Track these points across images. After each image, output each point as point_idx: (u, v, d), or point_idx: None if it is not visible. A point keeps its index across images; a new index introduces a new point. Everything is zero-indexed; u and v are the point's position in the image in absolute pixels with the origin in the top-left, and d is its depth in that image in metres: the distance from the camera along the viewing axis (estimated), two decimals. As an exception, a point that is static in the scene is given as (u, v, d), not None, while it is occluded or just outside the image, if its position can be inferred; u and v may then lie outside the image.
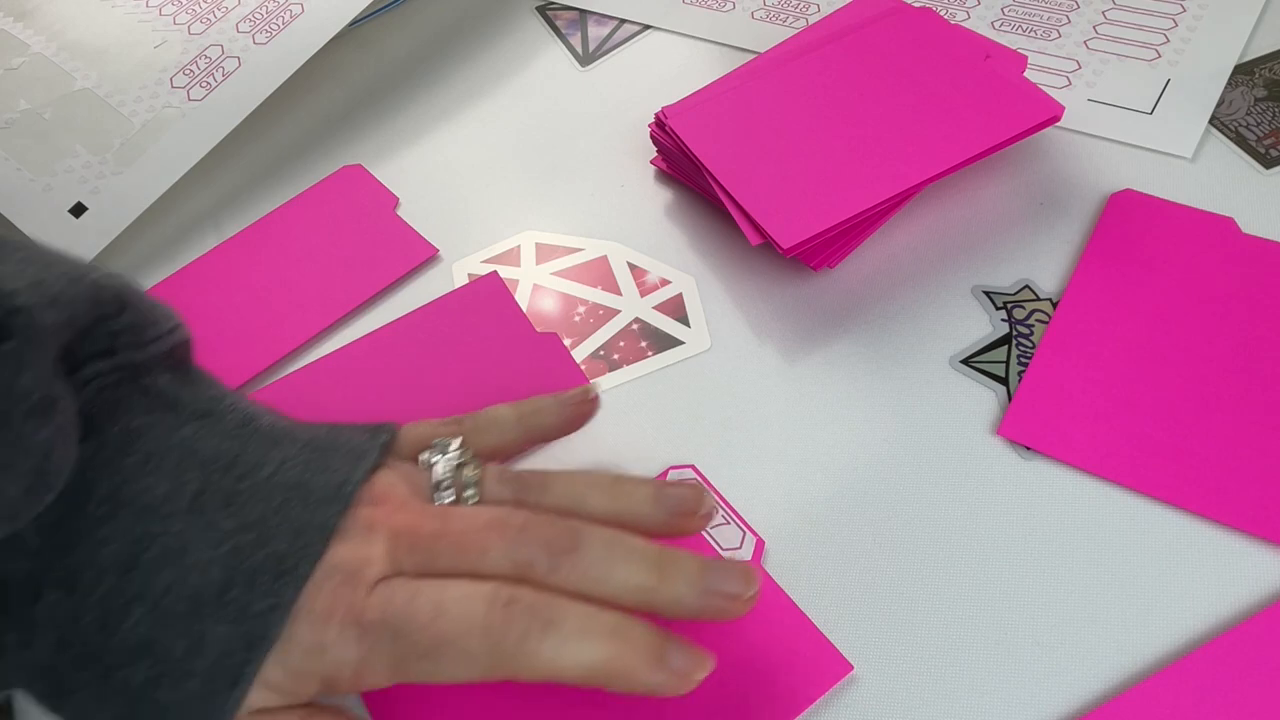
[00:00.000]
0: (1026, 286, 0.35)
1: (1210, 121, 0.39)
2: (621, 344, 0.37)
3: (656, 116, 0.41)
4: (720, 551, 0.30)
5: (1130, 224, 0.36)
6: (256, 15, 0.47)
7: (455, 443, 0.28)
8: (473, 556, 0.25)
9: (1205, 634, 0.27)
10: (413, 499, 0.27)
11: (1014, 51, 0.40)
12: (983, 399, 0.33)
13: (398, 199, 0.44)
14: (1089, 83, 0.41)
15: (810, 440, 0.33)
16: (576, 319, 0.38)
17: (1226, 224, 0.34)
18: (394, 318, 0.39)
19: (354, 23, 0.49)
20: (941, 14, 0.43)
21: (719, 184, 0.37)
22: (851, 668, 0.28)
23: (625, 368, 0.36)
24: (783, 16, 0.48)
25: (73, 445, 0.23)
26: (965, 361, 0.34)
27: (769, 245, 0.35)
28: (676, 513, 0.27)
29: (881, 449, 0.32)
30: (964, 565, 0.29)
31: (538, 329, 0.37)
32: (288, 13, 0.47)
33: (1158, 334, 0.32)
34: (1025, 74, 0.39)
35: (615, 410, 0.35)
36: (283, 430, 0.27)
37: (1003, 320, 0.34)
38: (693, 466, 0.33)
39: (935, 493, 0.31)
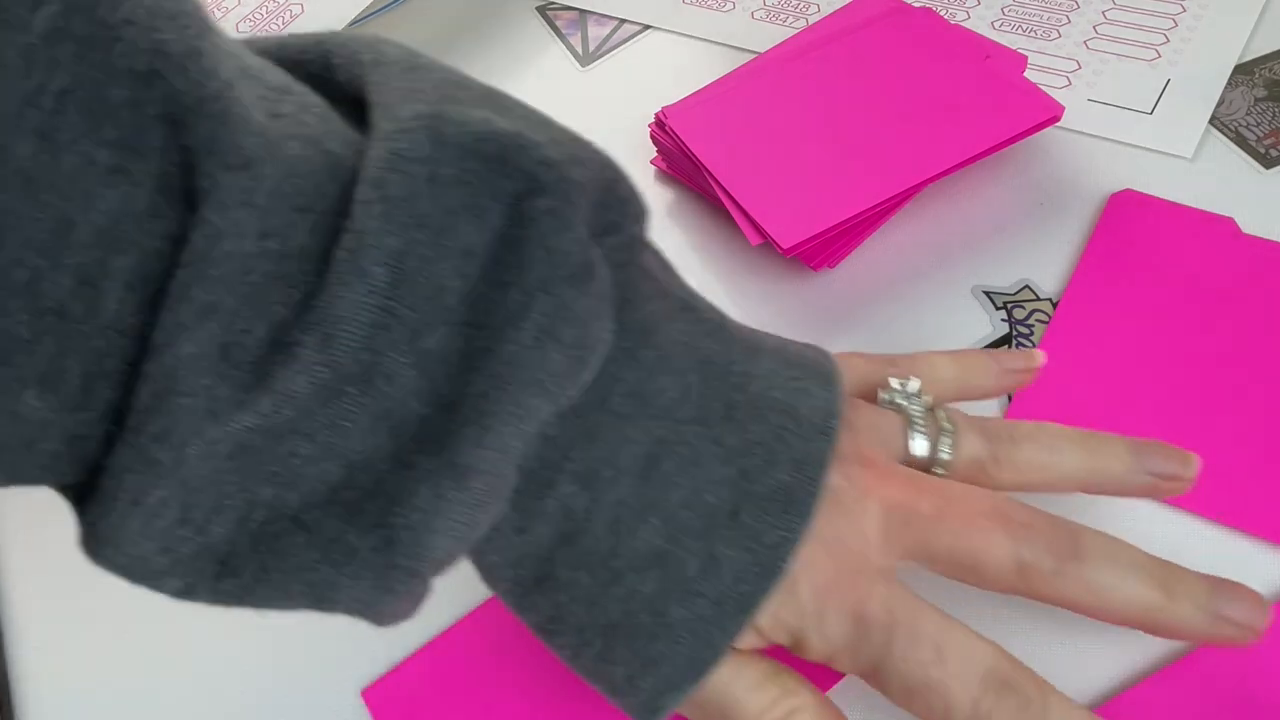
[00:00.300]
0: (1026, 286, 0.35)
1: (1210, 121, 0.39)
2: (621, 344, 0.37)
3: (656, 116, 0.41)
4: None
5: (1130, 224, 0.36)
6: (256, 15, 0.47)
7: (916, 384, 0.26)
8: (976, 544, 0.23)
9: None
10: (893, 461, 0.24)
11: (1014, 51, 0.40)
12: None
13: None
14: (1089, 83, 0.41)
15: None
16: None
17: (1226, 224, 0.34)
18: None
19: (354, 23, 0.49)
20: (941, 14, 0.43)
21: (719, 184, 0.38)
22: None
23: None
24: (783, 16, 0.48)
25: (609, 321, 0.21)
26: (965, 361, 0.34)
27: (769, 245, 0.35)
28: (1162, 475, 0.25)
29: (881, 449, 0.32)
30: (964, 565, 0.29)
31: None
32: (288, 13, 0.47)
33: (1158, 334, 0.32)
34: (1025, 74, 0.39)
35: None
36: (750, 336, 0.25)
37: (1003, 320, 0.34)
38: None
39: (935, 493, 0.31)
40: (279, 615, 0.32)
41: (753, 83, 0.41)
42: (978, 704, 0.21)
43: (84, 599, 0.34)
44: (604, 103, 0.47)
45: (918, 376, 0.27)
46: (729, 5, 0.50)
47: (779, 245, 0.35)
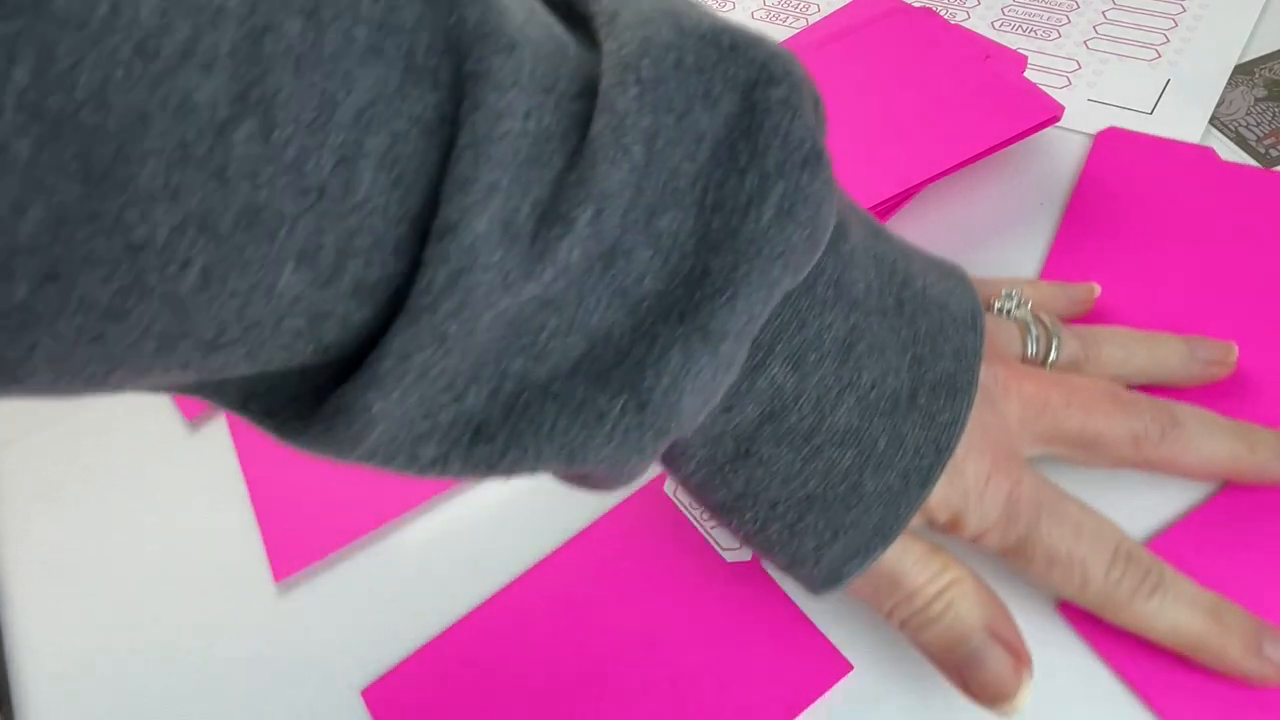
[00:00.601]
0: (1026, 286, 0.35)
1: (1210, 121, 0.39)
2: (621, 344, 0.37)
3: (656, 116, 0.41)
4: (720, 551, 0.30)
5: (1116, 159, 0.37)
6: (257, 15, 0.47)
7: (1023, 301, 0.30)
8: (1098, 424, 0.27)
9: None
10: (1018, 360, 0.28)
11: (1014, 51, 0.40)
12: (983, 399, 0.33)
13: None
14: (1089, 83, 0.41)
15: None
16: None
17: (1206, 153, 0.36)
18: None
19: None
20: (941, 14, 0.43)
21: (719, 184, 0.37)
22: (851, 667, 0.28)
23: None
24: (783, 16, 0.48)
25: (834, 206, 0.22)
26: (965, 361, 0.34)
27: (769, 245, 0.35)
28: (1210, 362, 0.30)
29: (881, 449, 0.32)
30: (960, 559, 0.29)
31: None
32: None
33: (1148, 261, 0.34)
34: (1025, 74, 0.39)
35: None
36: (901, 240, 0.27)
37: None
38: None
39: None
40: (280, 616, 0.32)
41: (753, 83, 0.41)
42: (1109, 572, 0.25)
43: (84, 599, 0.34)
44: (604, 103, 0.47)
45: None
46: (729, 5, 0.50)
47: (779, 245, 0.35)
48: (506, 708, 0.29)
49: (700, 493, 0.25)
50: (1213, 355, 0.30)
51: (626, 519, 0.32)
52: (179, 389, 0.19)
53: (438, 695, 0.29)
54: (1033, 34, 0.44)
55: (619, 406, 0.20)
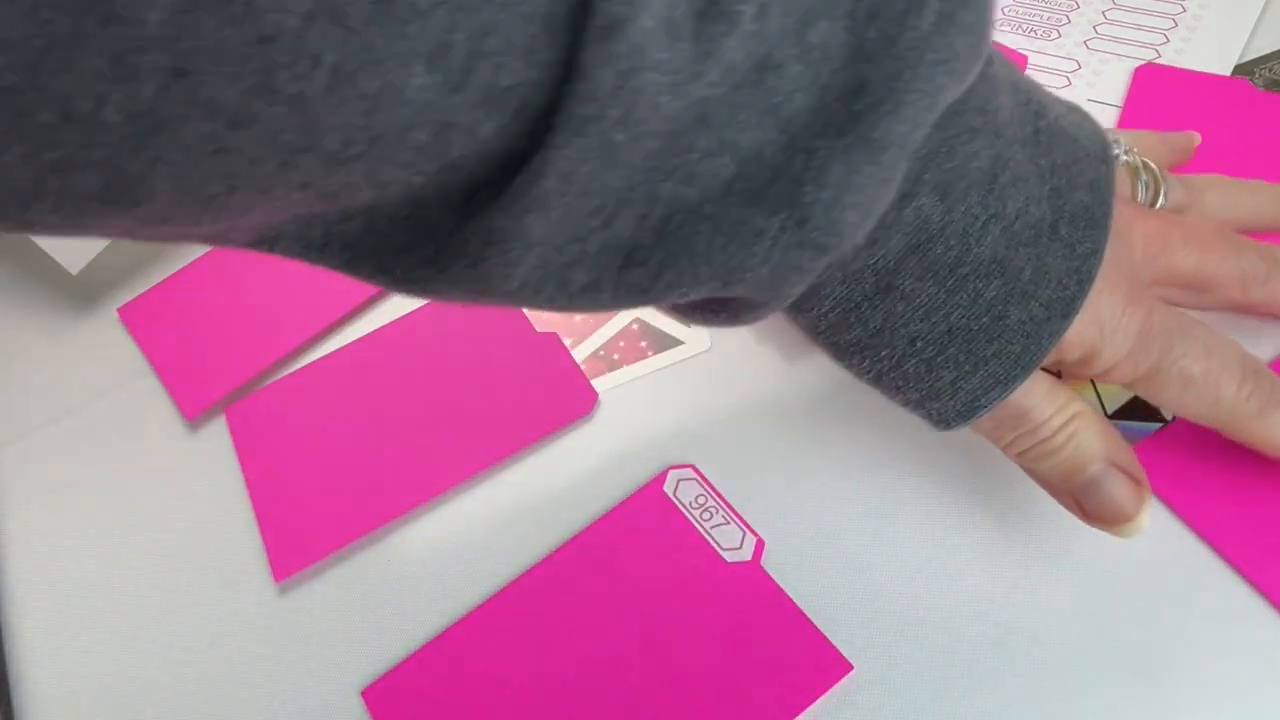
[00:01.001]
0: (1026, 286, 0.35)
1: (1210, 121, 0.39)
2: (621, 344, 0.37)
3: (656, 116, 0.41)
4: (720, 551, 0.30)
5: (1156, 91, 0.39)
6: (257, 15, 0.47)
7: (1126, 148, 0.29)
8: (1212, 259, 0.27)
9: (1209, 629, 0.27)
10: (1138, 202, 0.29)
11: (1014, 51, 0.40)
12: (982, 399, 0.33)
13: None
14: (1089, 83, 0.41)
15: (809, 439, 0.33)
16: (576, 319, 0.38)
17: (1241, 84, 0.38)
18: (393, 318, 0.39)
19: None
20: (941, 14, 0.43)
21: (719, 184, 0.37)
22: (851, 667, 0.28)
23: (625, 368, 0.36)
24: (783, 16, 0.48)
25: (991, 11, 0.21)
26: (965, 361, 0.34)
27: (769, 245, 0.35)
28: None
29: (880, 447, 0.32)
30: (964, 564, 0.29)
31: (537, 329, 0.37)
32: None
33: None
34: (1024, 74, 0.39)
35: (615, 410, 0.35)
36: (1021, 73, 0.26)
37: (1003, 320, 0.34)
38: (692, 466, 0.33)
39: (934, 489, 0.31)
40: (279, 616, 0.32)
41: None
42: (1241, 386, 0.26)
43: (84, 599, 0.34)
44: (604, 103, 0.47)
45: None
46: (729, 5, 0.50)
47: (779, 245, 0.35)
48: (506, 708, 0.29)
49: (831, 334, 0.25)
50: None
51: (626, 519, 0.32)
52: (298, 233, 0.18)
53: (437, 695, 0.29)
54: (1033, 34, 0.44)
55: (778, 224, 0.20)
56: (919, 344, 0.24)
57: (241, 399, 0.38)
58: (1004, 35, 0.44)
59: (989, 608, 0.28)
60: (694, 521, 0.31)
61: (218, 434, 0.38)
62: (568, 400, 0.35)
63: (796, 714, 0.27)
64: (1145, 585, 0.28)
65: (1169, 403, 0.27)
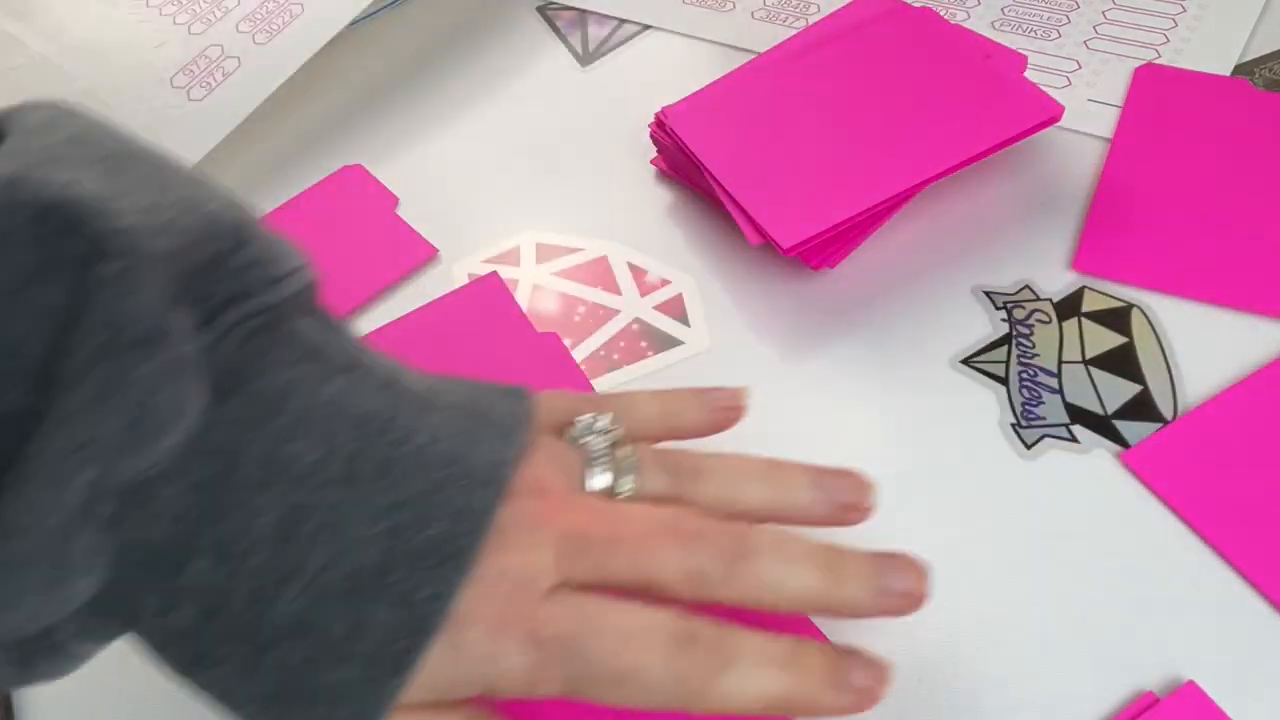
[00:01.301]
0: (1026, 286, 0.35)
1: (1210, 121, 0.39)
2: (621, 344, 0.37)
3: (656, 116, 0.41)
4: None
5: (1156, 91, 0.40)
6: (256, 15, 0.47)
7: (606, 419, 0.27)
8: (645, 565, 0.24)
9: (1210, 629, 0.27)
10: (572, 492, 0.25)
11: (1014, 51, 0.40)
12: (983, 399, 0.33)
13: (397, 199, 0.44)
14: (1089, 83, 0.41)
15: (810, 440, 0.33)
16: (576, 319, 0.38)
17: (1241, 84, 0.38)
18: (393, 318, 0.39)
19: (354, 23, 0.49)
20: (941, 14, 0.43)
21: (719, 184, 0.37)
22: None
23: (625, 368, 0.36)
24: (783, 16, 0.48)
25: (187, 385, 0.21)
26: (965, 361, 0.34)
27: (769, 245, 0.35)
28: (839, 505, 0.27)
29: (881, 449, 0.32)
30: (964, 565, 0.29)
31: (537, 329, 0.37)
32: (288, 13, 0.47)
33: (1195, 184, 0.36)
34: (1025, 74, 0.39)
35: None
36: (429, 391, 0.25)
37: (1003, 320, 0.34)
38: None
39: (935, 492, 0.31)
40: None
41: (753, 83, 0.41)
42: (669, 666, 0.22)
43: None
44: (604, 103, 0.47)
45: (620, 414, 0.27)
46: (729, 5, 0.50)
47: (779, 245, 0.35)
48: (504, 710, 0.28)
49: (197, 695, 0.23)
50: (847, 499, 0.27)
51: None
52: None
53: None
54: (1033, 34, 0.44)
55: None
56: (252, 710, 0.22)
57: None
58: (1004, 35, 0.44)
59: (990, 607, 0.28)
60: None
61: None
62: None
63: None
64: (1144, 585, 0.28)
65: (613, 704, 0.23)
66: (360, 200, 0.44)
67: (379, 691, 0.22)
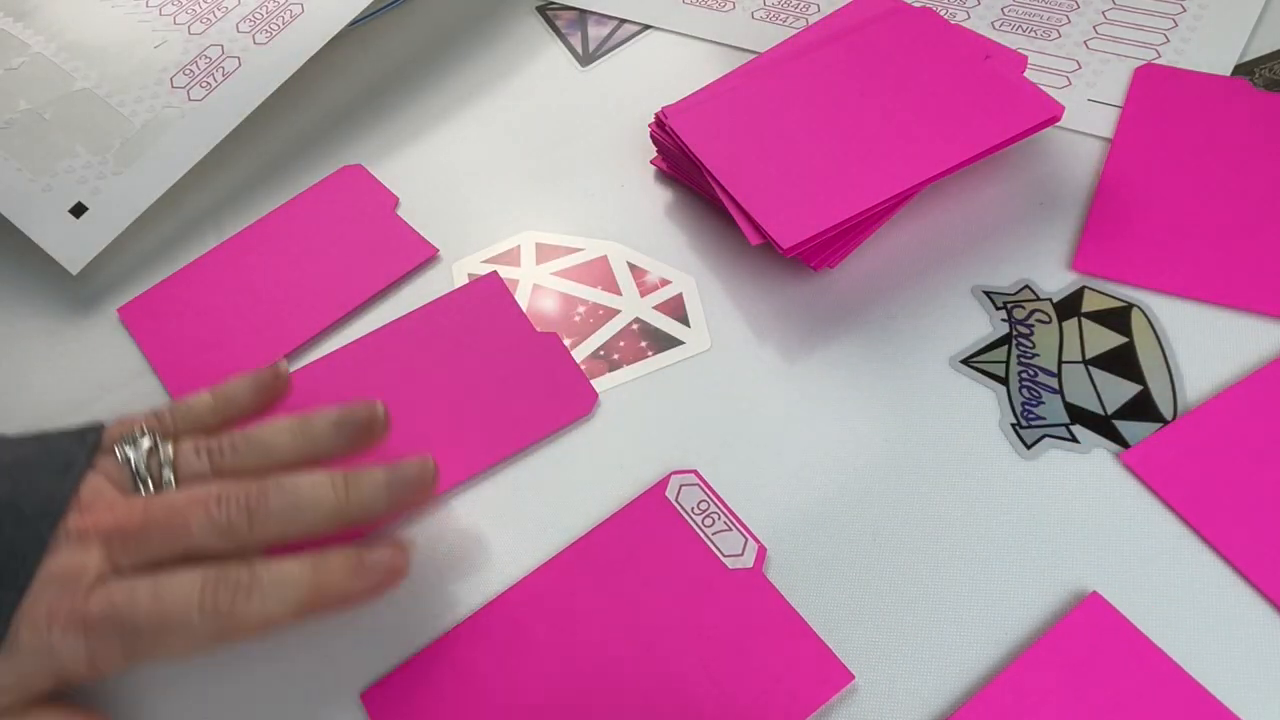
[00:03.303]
0: (1026, 286, 0.35)
1: (1210, 121, 0.39)
2: (621, 344, 0.37)
3: (656, 116, 0.41)
4: (722, 559, 0.30)
5: (1156, 91, 0.40)
6: (256, 15, 0.47)
7: (145, 436, 0.30)
8: (181, 535, 0.28)
9: (1210, 629, 0.27)
10: (120, 498, 0.29)
11: (1014, 51, 0.40)
12: (983, 399, 0.33)
13: (398, 199, 0.44)
14: (1089, 83, 0.41)
15: (810, 440, 0.33)
16: (576, 319, 0.38)
17: (1241, 84, 0.38)
18: (394, 318, 0.39)
19: (354, 23, 0.49)
20: (941, 14, 0.43)
21: (719, 184, 0.37)
22: (853, 677, 0.27)
23: (625, 368, 0.36)
24: (783, 16, 0.48)
25: None
26: (965, 361, 0.34)
27: (769, 245, 0.35)
28: (355, 435, 0.31)
29: (881, 449, 0.32)
30: (964, 566, 0.29)
31: (538, 329, 0.37)
32: (288, 13, 0.47)
33: (1196, 181, 0.36)
34: (1025, 74, 0.39)
35: (615, 411, 0.35)
36: None
37: (1003, 320, 0.34)
38: (695, 471, 0.33)
39: (935, 493, 0.31)
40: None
41: (753, 83, 0.41)
42: (202, 605, 0.26)
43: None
44: (604, 103, 0.47)
45: (178, 418, 0.32)
46: (729, 5, 0.50)
47: (779, 245, 0.35)
48: (504, 713, 0.28)
49: None
50: (358, 427, 0.31)
51: (628, 524, 0.32)
52: None
53: (436, 699, 0.29)
54: (1033, 34, 0.44)
55: None
56: None
57: None
58: (1004, 35, 0.44)
59: (989, 608, 0.28)
60: (696, 528, 0.31)
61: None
62: (568, 400, 0.35)
63: None
64: (1143, 584, 0.28)
65: (170, 659, 0.27)
66: (361, 200, 0.44)
67: None
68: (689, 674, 0.28)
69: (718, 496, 0.32)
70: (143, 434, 0.31)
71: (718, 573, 0.30)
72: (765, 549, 0.30)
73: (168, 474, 0.30)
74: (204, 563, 0.27)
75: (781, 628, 0.29)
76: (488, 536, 0.33)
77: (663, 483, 0.32)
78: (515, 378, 0.36)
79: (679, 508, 0.32)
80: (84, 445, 0.30)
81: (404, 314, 0.39)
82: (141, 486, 0.29)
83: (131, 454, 0.30)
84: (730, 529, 0.31)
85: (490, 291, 0.39)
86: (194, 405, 0.32)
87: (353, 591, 0.28)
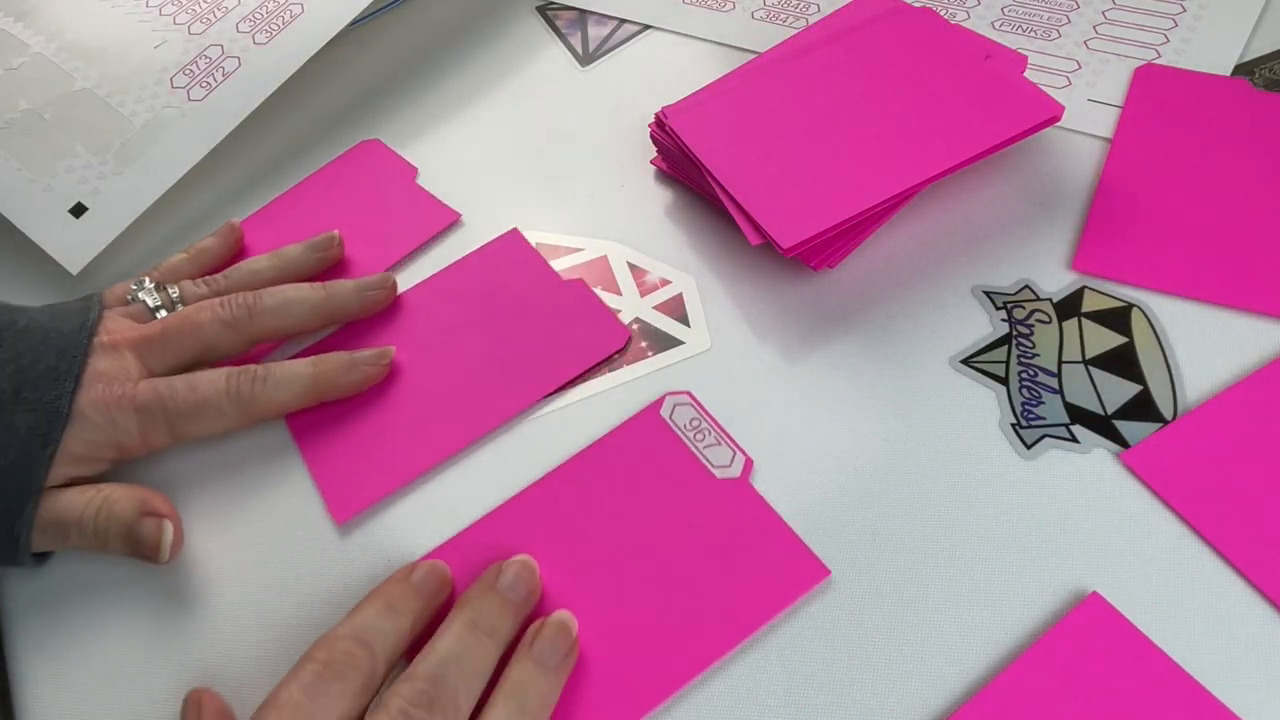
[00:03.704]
0: (1026, 286, 0.35)
1: (1210, 121, 0.39)
2: (621, 344, 0.37)
3: (656, 116, 0.41)
4: (711, 469, 0.32)
5: (1156, 91, 0.40)
6: (256, 15, 0.47)
7: (148, 281, 0.39)
8: (196, 334, 0.36)
9: (1210, 629, 0.27)
10: (137, 324, 0.37)
11: (1014, 51, 0.40)
12: (983, 399, 0.33)
13: (417, 169, 0.45)
14: (1089, 83, 0.41)
15: (810, 440, 0.33)
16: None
17: (1241, 84, 0.39)
18: (420, 279, 0.40)
19: (354, 23, 0.49)
20: (941, 14, 0.43)
21: (719, 184, 0.37)
22: (829, 572, 0.29)
23: (625, 368, 0.36)
24: (783, 16, 0.48)
25: None
26: (965, 361, 0.34)
27: (769, 245, 0.35)
28: (321, 252, 0.40)
29: (881, 449, 0.32)
30: (964, 566, 0.29)
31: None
32: (288, 13, 0.47)
33: (1197, 175, 0.36)
34: (1025, 74, 0.39)
35: (615, 410, 0.35)
36: (18, 309, 0.35)
37: (1003, 320, 0.34)
38: (688, 393, 0.35)
39: (935, 493, 0.31)
40: (283, 617, 0.32)
41: (753, 83, 0.41)
42: (228, 390, 0.34)
43: (84, 599, 0.34)
44: (604, 103, 0.47)
45: (166, 270, 0.40)
46: (729, 5, 0.50)
47: (779, 245, 0.35)
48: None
49: None
50: (322, 243, 0.40)
51: (624, 440, 0.34)
52: None
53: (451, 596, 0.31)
54: (1033, 34, 0.44)
55: None
56: None
57: None
58: (1004, 35, 0.44)
59: (989, 607, 0.28)
60: (688, 442, 0.33)
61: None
62: (601, 337, 0.37)
63: (777, 612, 0.29)
64: (1143, 584, 0.28)
65: (206, 433, 0.35)
66: (380, 171, 0.46)
67: (35, 460, 0.32)
68: (679, 571, 0.30)
69: (709, 414, 0.34)
70: (145, 283, 0.38)
71: (707, 482, 0.32)
72: (752, 461, 0.32)
73: (175, 294, 0.38)
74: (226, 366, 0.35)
75: (764, 530, 0.31)
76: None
77: (658, 402, 0.34)
78: (548, 321, 0.38)
79: (672, 424, 0.34)
80: (92, 298, 0.37)
81: (431, 275, 0.40)
82: (158, 315, 0.37)
83: (143, 296, 0.38)
84: (719, 443, 0.33)
85: (513, 246, 0.41)
86: (174, 261, 0.41)
87: (347, 382, 0.36)
